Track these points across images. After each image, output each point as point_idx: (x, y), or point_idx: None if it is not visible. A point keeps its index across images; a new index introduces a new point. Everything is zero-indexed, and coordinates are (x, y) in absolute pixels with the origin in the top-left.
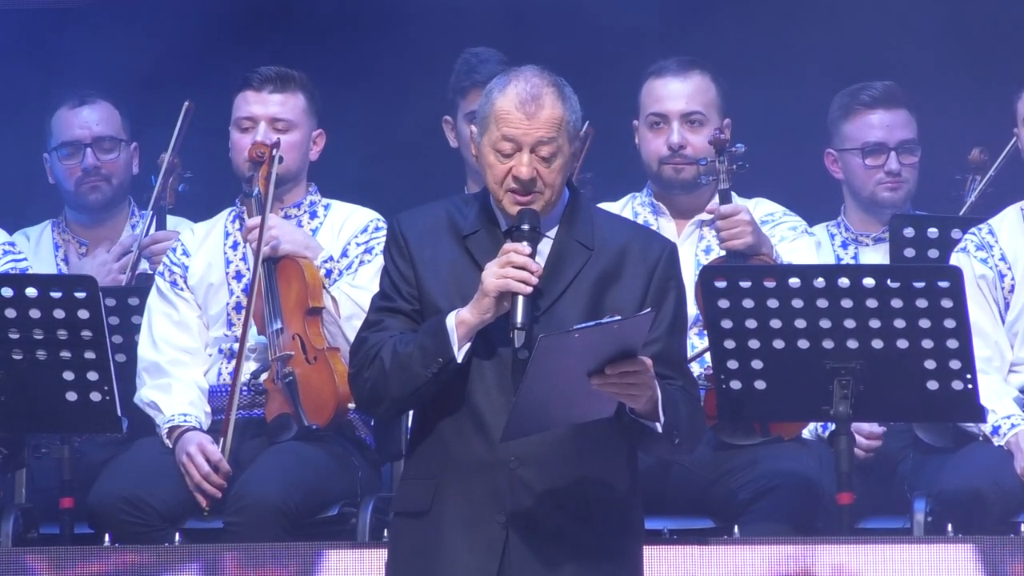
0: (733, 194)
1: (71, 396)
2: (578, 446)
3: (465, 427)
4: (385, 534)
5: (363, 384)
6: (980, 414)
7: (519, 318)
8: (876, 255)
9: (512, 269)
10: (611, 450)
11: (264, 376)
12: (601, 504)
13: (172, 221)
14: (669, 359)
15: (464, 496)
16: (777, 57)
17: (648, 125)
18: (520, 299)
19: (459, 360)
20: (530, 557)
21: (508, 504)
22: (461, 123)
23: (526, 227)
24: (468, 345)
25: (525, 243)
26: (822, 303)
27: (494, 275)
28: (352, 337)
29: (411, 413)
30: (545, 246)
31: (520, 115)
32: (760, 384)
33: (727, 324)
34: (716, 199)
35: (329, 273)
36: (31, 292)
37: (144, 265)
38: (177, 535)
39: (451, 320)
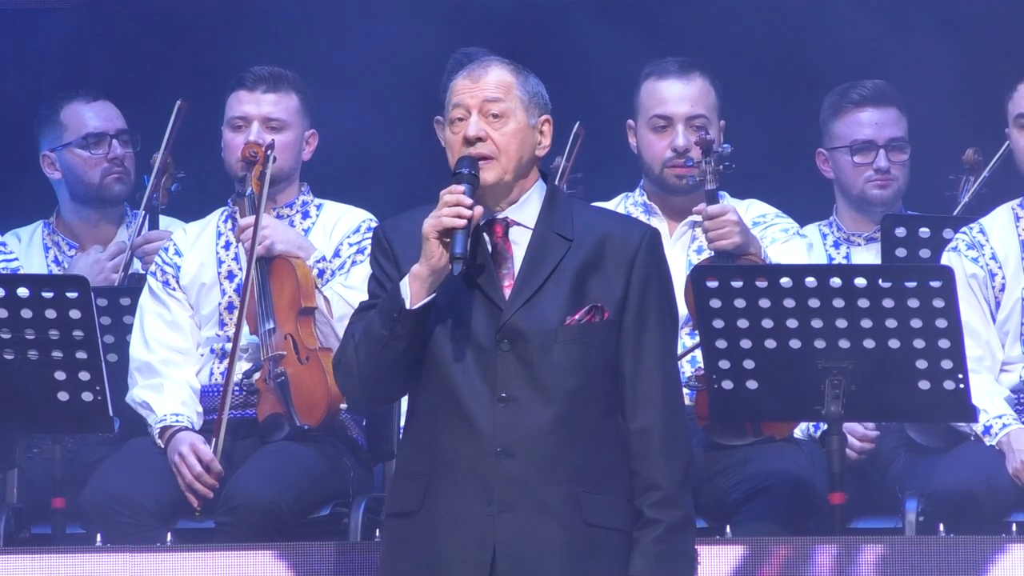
0: (725, 194)
1: (63, 396)
2: (566, 436)
3: (451, 421)
4: (377, 534)
5: (342, 369)
6: (972, 414)
7: (457, 248)
8: (868, 255)
9: (446, 208)
10: (601, 440)
11: (256, 376)
12: (590, 493)
13: (164, 221)
14: (651, 350)
15: (454, 491)
16: (770, 56)
17: (651, 127)
18: (458, 232)
19: (411, 307)
20: (521, 548)
21: (496, 496)
22: None
23: (465, 171)
24: (430, 298)
25: (460, 185)
26: (814, 303)
27: (429, 218)
28: None
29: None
30: (524, 238)
31: (467, 82)
32: (752, 384)
33: (718, 324)
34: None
35: (322, 273)
36: (23, 292)
37: (136, 265)
38: (169, 535)
39: (404, 278)
